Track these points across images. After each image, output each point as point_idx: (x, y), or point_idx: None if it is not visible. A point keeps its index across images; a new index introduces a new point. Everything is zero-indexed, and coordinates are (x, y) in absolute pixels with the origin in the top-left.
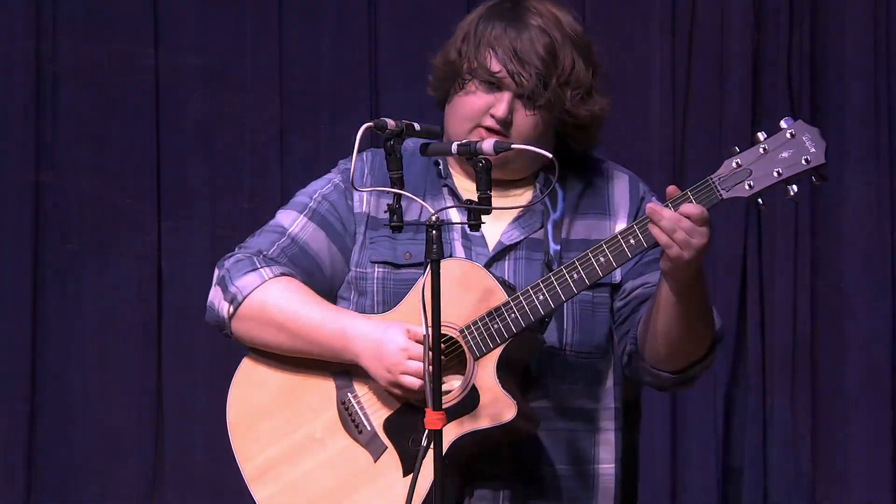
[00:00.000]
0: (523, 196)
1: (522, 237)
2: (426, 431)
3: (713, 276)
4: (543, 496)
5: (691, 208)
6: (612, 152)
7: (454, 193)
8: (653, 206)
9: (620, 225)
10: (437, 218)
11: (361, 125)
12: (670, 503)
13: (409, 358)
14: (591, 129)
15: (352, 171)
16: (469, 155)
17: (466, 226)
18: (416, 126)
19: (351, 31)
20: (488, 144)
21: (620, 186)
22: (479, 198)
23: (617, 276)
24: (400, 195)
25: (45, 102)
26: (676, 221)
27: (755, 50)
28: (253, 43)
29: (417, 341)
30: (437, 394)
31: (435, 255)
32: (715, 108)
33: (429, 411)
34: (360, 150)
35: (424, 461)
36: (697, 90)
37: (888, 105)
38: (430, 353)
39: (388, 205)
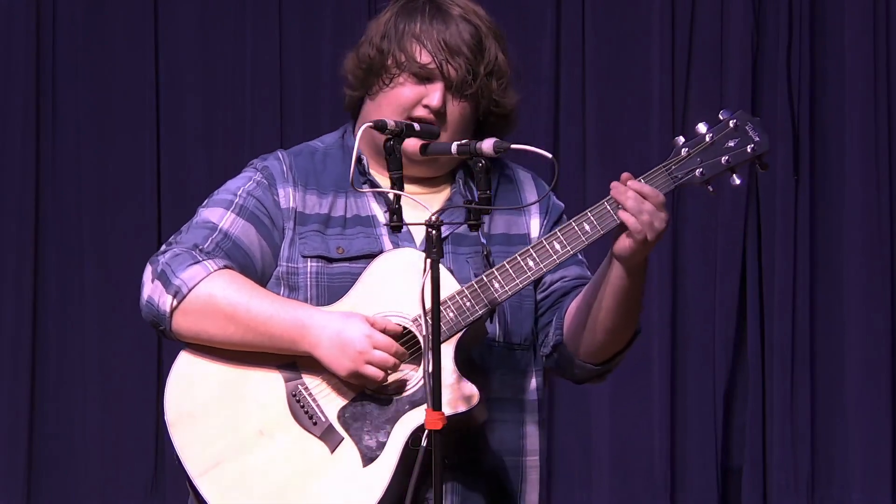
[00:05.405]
0: (443, 192)
1: (448, 232)
2: (426, 431)
3: (713, 276)
4: (485, 487)
5: (647, 189)
6: (613, 152)
7: (375, 187)
8: (617, 185)
9: (535, 221)
10: (437, 218)
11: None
12: (670, 503)
13: (374, 346)
14: (511, 118)
15: (352, 170)
16: (469, 155)
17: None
18: (416, 126)
19: (351, 31)
20: (488, 145)
21: (528, 185)
22: (479, 198)
23: None
24: (399, 195)
25: (45, 102)
26: (641, 202)
27: (755, 50)
28: (253, 43)
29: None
30: (437, 394)
31: (434, 254)
32: (714, 108)
33: (429, 411)
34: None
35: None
36: (697, 90)
37: (888, 105)
38: (430, 353)
39: (388, 205)
